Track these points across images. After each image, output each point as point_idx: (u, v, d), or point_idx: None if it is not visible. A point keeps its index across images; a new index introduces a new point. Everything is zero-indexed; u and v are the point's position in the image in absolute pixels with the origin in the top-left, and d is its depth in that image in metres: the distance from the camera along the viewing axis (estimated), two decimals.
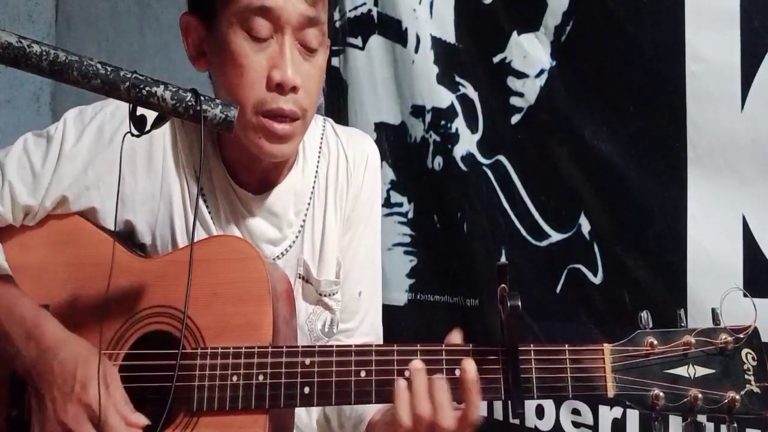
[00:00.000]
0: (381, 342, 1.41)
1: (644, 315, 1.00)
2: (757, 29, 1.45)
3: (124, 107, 0.98)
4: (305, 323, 1.30)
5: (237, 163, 1.25)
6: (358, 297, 1.37)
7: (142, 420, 1.05)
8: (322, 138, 1.35)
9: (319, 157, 1.34)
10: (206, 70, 1.23)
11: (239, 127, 1.11)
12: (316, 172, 1.33)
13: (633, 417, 1.65)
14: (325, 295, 1.31)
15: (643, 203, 1.63)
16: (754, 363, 0.96)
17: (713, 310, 0.99)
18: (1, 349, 1.13)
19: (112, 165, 1.17)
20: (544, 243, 1.85)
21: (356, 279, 1.36)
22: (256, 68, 1.13)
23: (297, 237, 1.30)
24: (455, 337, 1.06)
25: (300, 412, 1.30)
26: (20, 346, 1.10)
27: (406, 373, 1.03)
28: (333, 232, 1.33)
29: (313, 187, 1.32)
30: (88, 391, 1.03)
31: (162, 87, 0.98)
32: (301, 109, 1.16)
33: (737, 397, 0.95)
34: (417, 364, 1.02)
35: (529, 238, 1.88)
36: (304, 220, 1.30)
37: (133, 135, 0.98)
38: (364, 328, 1.39)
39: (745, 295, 1.00)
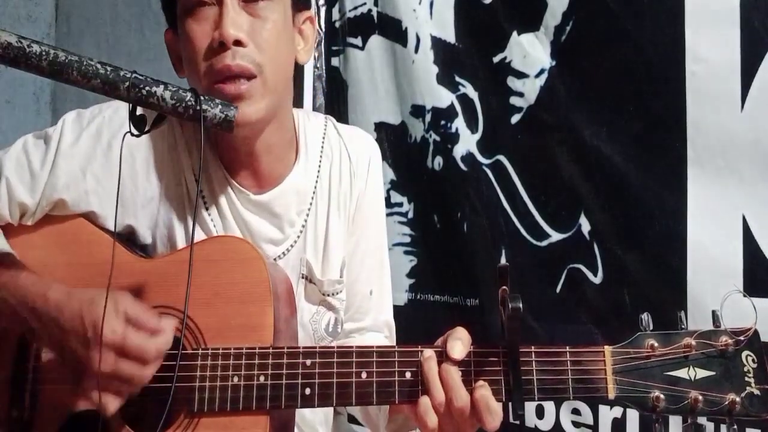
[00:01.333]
0: (394, 338, 1.42)
1: (645, 317, 1.00)
2: (757, 29, 1.46)
3: (122, 111, 0.98)
4: (309, 323, 1.30)
5: (235, 163, 1.25)
6: (370, 296, 1.38)
7: (166, 327, 1.04)
8: (324, 137, 1.35)
9: (321, 155, 1.34)
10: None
11: None
12: (318, 170, 1.33)
13: (633, 417, 1.66)
14: (328, 295, 1.31)
15: (643, 203, 1.63)
16: (755, 365, 0.96)
17: (714, 312, 0.99)
18: (12, 326, 1.13)
19: (111, 170, 1.17)
20: (544, 243, 1.85)
21: (366, 278, 1.37)
22: (202, 36, 1.14)
23: (299, 236, 1.29)
24: (459, 332, 1.04)
25: (302, 411, 1.29)
26: (33, 322, 1.09)
27: (408, 374, 1.03)
28: (336, 232, 1.32)
29: (316, 186, 1.32)
30: (101, 329, 0.99)
31: (162, 87, 0.98)
32: (254, 64, 1.13)
33: (737, 399, 0.96)
34: (427, 352, 1.03)
35: (529, 238, 1.88)
36: (306, 220, 1.30)
37: (132, 135, 0.98)
38: (379, 326, 1.40)
39: (745, 296, 1.00)
